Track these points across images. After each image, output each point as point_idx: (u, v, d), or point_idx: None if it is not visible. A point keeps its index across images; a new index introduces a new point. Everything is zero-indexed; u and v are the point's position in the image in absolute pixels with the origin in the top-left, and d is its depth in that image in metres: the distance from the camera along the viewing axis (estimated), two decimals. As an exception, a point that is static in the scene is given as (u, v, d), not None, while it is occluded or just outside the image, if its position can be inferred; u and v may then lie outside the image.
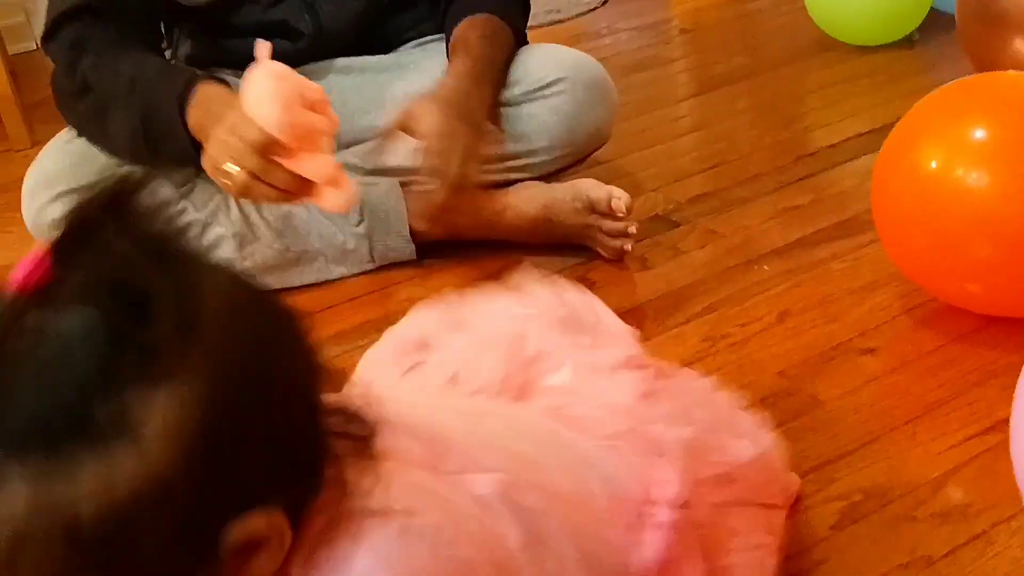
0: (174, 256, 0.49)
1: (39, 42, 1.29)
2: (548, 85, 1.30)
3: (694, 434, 0.73)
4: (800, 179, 1.40)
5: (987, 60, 1.38)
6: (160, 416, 0.46)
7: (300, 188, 1.08)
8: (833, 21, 1.84)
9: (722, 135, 1.61)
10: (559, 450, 0.68)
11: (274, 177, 1.07)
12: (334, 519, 0.54)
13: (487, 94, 1.26)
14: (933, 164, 0.92)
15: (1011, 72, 0.97)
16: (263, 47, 1.05)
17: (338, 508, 0.54)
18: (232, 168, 1.08)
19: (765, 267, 1.20)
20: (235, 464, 0.49)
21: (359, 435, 0.56)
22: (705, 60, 1.96)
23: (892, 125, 1.46)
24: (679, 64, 1.96)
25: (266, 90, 1.04)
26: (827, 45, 1.85)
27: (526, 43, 1.38)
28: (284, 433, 0.51)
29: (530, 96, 1.30)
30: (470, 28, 1.30)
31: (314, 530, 0.54)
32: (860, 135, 1.50)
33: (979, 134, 0.90)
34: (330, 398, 0.55)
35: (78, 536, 0.45)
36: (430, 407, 0.68)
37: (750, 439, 0.76)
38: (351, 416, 0.56)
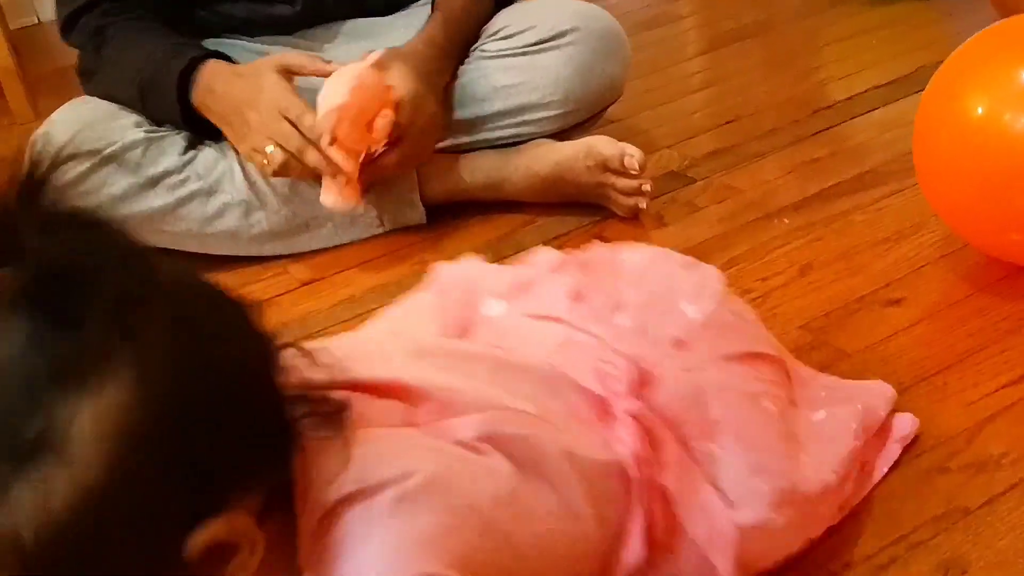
0: (99, 247, 0.46)
1: (60, 30, 1.30)
2: (561, 35, 1.26)
3: (629, 320, 0.72)
4: (817, 132, 1.37)
5: (1009, 4, 1.34)
6: (89, 427, 0.43)
7: (324, 172, 1.15)
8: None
9: (735, 91, 1.58)
10: (516, 374, 0.66)
11: (309, 157, 1.14)
12: (326, 513, 0.52)
13: (450, 63, 1.26)
14: (979, 110, 0.88)
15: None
16: (372, 54, 1.16)
17: (325, 499, 0.52)
18: (275, 151, 1.15)
19: (785, 220, 1.17)
20: (184, 469, 0.46)
21: (329, 412, 0.53)
22: (715, 16, 1.92)
23: (911, 76, 1.47)
24: (689, 21, 1.92)
25: (345, 93, 1.12)
26: (840, -1, 1.81)
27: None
28: (238, 431, 0.48)
29: (543, 46, 1.26)
30: None
31: (308, 529, 0.52)
32: (877, 87, 1.47)
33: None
34: (292, 381, 0.52)
35: (28, 560, 0.43)
36: (387, 361, 0.65)
37: (694, 301, 0.74)
38: (316, 398, 0.53)
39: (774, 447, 0.71)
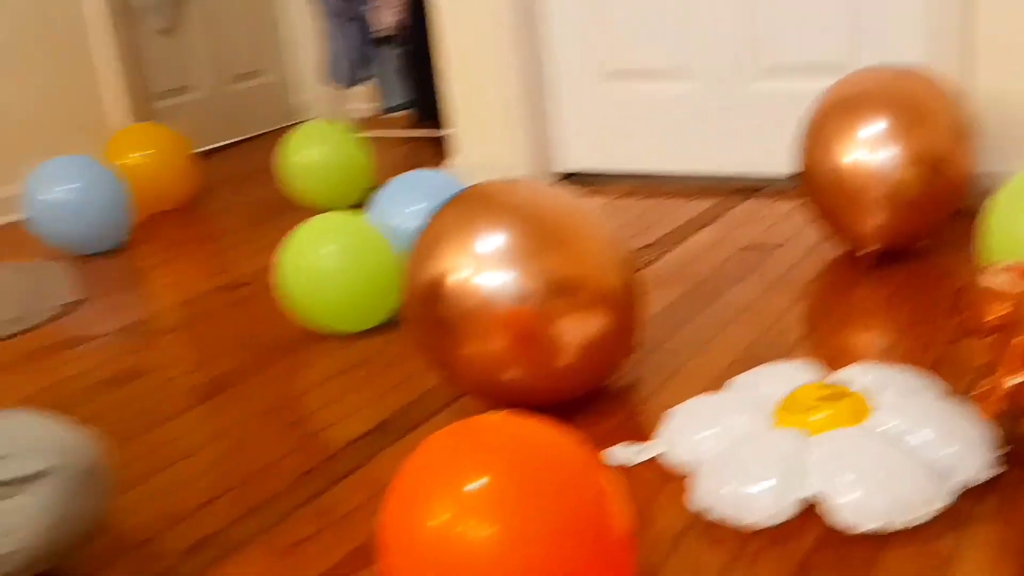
0: None
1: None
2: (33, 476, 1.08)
3: None
4: (303, 504, 1.31)
5: (440, 360, 1.44)
6: None
7: None
8: (313, 313, 1.84)
9: (219, 456, 1.49)
10: None
11: None
12: None
13: None
14: (433, 522, 0.87)
15: (496, 414, 0.97)
16: None
17: None
18: None
19: (278, 629, 1.08)
20: None
21: None
22: (186, 368, 1.85)
23: (388, 422, 1.50)
24: (160, 375, 1.82)
25: None
26: (313, 337, 1.85)
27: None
28: None
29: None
30: None
31: None
32: (357, 439, 1.47)
33: (474, 488, 0.88)
34: None
35: None
36: None
37: None
38: None
39: None
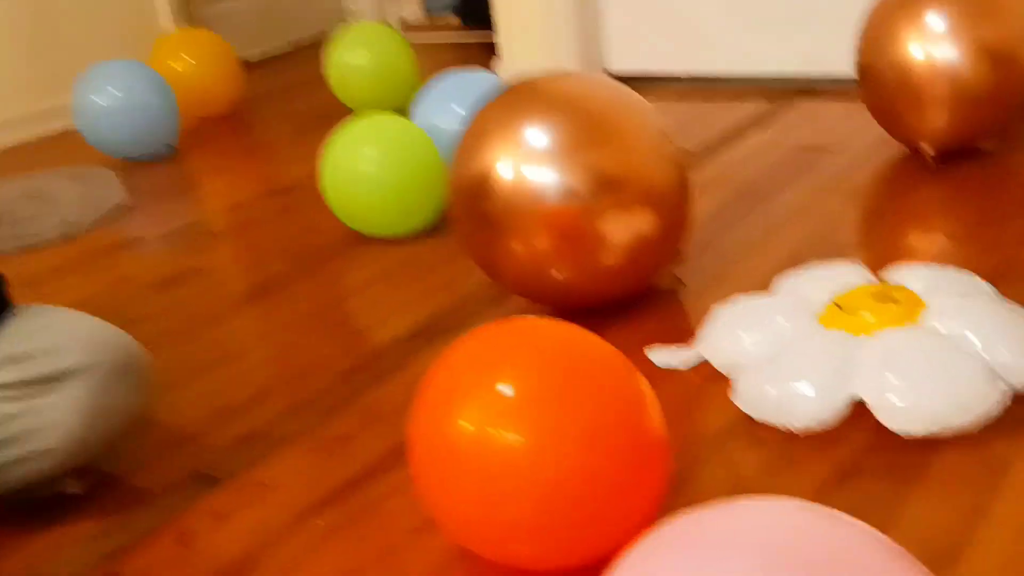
0: None
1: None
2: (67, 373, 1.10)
3: None
4: (347, 401, 1.32)
5: (485, 258, 1.42)
6: None
7: None
8: (356, 217, 1.83)
9: (264, 357, 1.50)
10: None
11: None
12: None
13: None
14: (466, 425, 0.86)
15: (529, 318, 0.95)
16: None
17: None
18: None
19: (319, 521, 1.09)
20: None
21: None
22: (238, 271, 1.86)
23: (430, 324, 1.50)
24: (211, 278, 1.83)
25: None
26: (359, 240, 1.84)
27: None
28: None
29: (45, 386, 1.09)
30: None
31: None
32: (400, 339, 1.47)
33: (507, 390, 0.86)
34: None
35: None
36: None
37: None
38: None
39: None
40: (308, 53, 3.56)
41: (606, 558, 0.89)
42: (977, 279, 1.29)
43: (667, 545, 0.58)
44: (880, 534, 0.59)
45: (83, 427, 1.09)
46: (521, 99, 1.38)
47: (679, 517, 0.61)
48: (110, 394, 1.11)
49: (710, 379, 1.24)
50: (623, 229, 1.35)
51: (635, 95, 1.43)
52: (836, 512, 0.60)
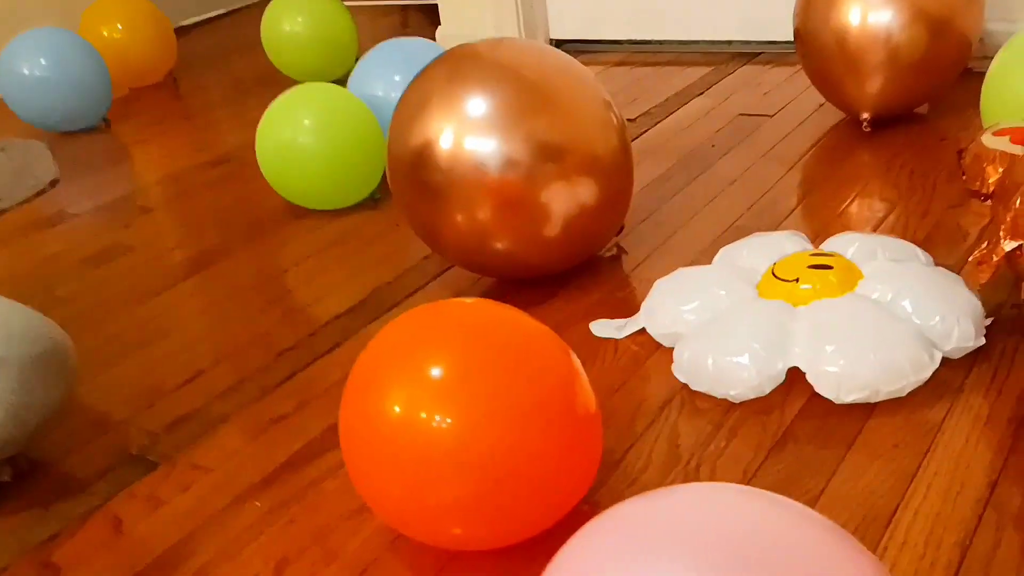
0: None
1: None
2: None
3: None
4: (283, 381, 1.30)
5: (426, 230, 1.40)
6: None
7: None
8: (294, 190, 1.79)
9: (202, 334, 1.47)
10: None
11: None
12: None
13: None
14: (396, 407, 0.85)
15: (459, 300, 0.93)
16: None
17: None
18: None
19: (256, 503, 1.07)
20: None
21: None
22: (166, 246, 1.81)
23: (367, 301, 1.47)
24: (139, 255, 1.78)
25: None
26: (298, 212, 1.80)
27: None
28: None
29: None
30: None
31: None
32: (338, 316, 1.44)
33: (436, 372, 0.85)
34: None
35: None
36: None
37: None
38: None
39: None
40: (246, 14, 3.47)
41: (539, 537, 0.89)
42: (910, 245, 1.30)
43: (605, 536, 0.58)
44: (816, 513, 0.59)
45: (6, 420, 1.06)
46: (460, 67, 1.35)
47: (617, 507, 0.61)
48: (32, 385, 1.08)
49: (651, 349, 1.24)
50: (565, 199, 1.34)
51: (576, 63, 1.42)
52: (773, 495, 0.60)
